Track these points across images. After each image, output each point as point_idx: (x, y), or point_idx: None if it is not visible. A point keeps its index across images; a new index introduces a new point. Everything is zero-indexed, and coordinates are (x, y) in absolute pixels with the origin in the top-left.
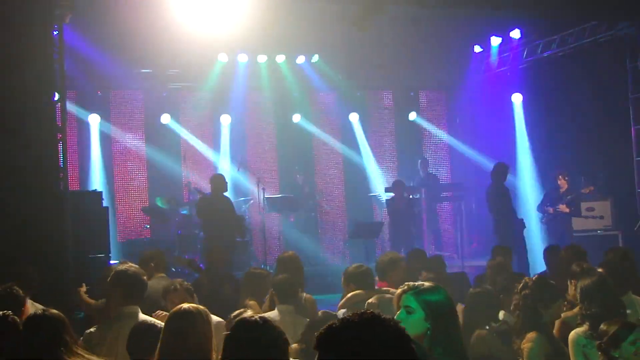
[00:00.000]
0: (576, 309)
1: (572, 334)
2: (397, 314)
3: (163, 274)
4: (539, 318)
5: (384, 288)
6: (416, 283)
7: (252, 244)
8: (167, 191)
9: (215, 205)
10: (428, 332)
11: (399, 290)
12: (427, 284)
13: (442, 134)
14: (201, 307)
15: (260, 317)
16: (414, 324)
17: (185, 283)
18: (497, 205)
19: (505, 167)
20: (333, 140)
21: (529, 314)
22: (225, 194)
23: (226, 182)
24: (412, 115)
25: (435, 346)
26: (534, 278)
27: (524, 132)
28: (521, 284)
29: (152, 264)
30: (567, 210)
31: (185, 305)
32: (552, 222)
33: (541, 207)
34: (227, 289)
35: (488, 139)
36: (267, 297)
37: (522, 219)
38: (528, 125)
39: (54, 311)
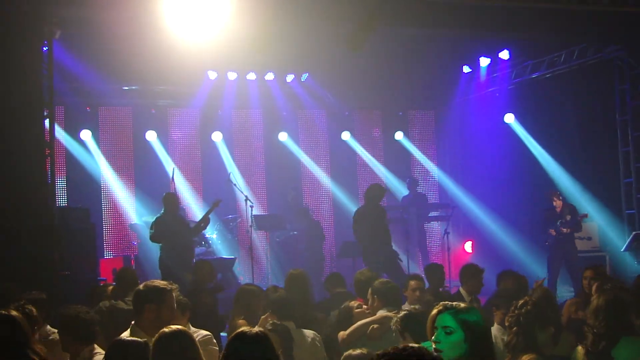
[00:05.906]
0: None
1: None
2: (435, 335)
3: None
4: (534, 338)
5: (358, 303)
6: (452, 303)
7: (239, 262)
8: (155, 207)
9: (171, 226)
10: (465, 354)
11: (434, 311)
12: (462, 304)
13: (430, 154)
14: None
15: (259, 331)
16: (454, 345)
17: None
18: (371, 230)
19: (383, 189)
20: (321, 158)
21: (526, 332)
22: (179, 212)
23: (178, 200)
24: (399, 135)
25: None
26: (537, 295)
27: (534, 147)
28: (522, 301)
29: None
30: (567, 231)
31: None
32: (558, 243)
33: (545, 230)
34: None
35: (477, 159)
36: (261, 315)
37: (395, 250)
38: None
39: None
